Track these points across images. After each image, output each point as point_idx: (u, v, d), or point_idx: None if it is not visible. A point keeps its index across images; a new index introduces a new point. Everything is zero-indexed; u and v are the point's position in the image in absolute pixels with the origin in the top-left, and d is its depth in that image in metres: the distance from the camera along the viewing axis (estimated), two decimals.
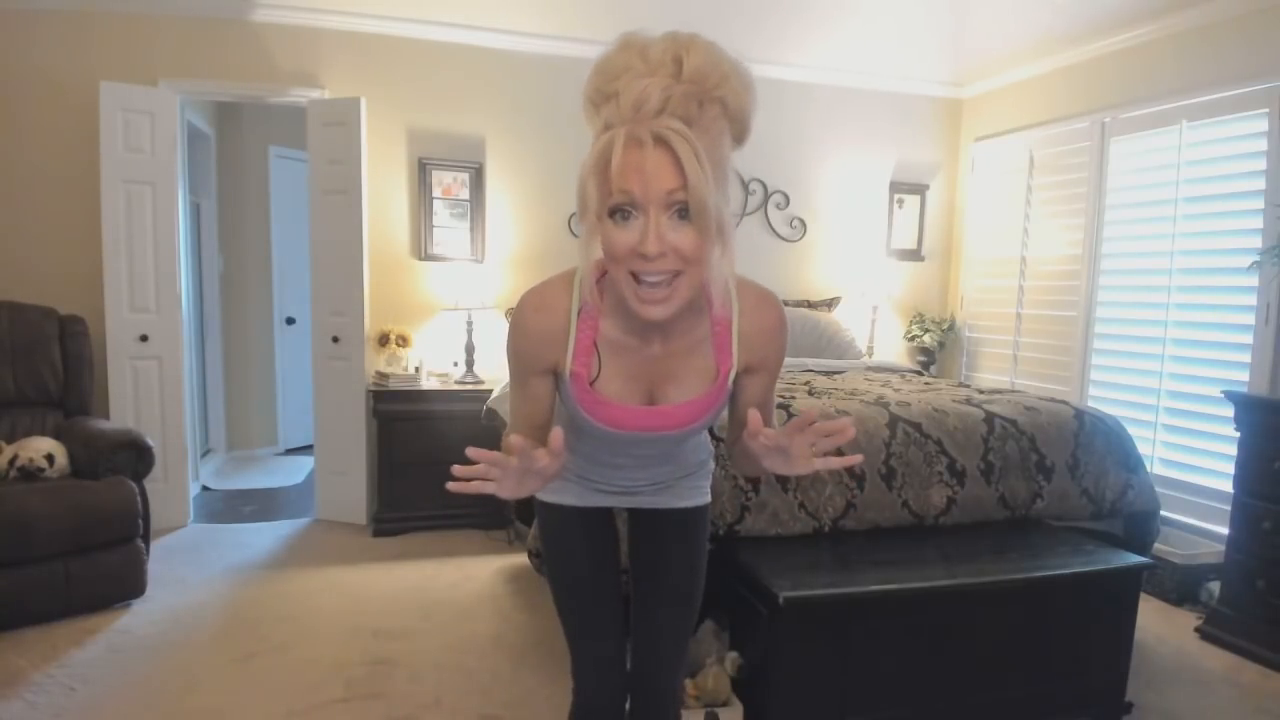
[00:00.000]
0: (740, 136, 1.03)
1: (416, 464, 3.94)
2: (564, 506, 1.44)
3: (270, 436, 5.62)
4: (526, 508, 3.61)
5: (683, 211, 0.97)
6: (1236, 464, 2.91)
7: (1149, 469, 2.96)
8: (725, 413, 1.32)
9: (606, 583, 1.46)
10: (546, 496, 1.44)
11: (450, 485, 0.96)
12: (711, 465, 1.52)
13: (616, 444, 1.30)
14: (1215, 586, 3.08)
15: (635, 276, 1.01)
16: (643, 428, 1.23)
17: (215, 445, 5.22)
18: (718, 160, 0.98)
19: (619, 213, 0.98)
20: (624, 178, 0.96)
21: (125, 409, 3.74)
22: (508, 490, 1.00)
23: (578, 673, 1.48)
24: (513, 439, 0.98)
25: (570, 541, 1.46)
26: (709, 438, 1.53)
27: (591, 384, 1.19)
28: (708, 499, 1.50)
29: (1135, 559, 2.35)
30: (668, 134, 0.94)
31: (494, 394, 3.74)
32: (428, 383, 4.03)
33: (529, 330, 1.18)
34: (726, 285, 1.15)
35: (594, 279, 1.13)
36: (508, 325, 1.23)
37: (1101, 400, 3.92)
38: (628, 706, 1.51)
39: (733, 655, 2.19)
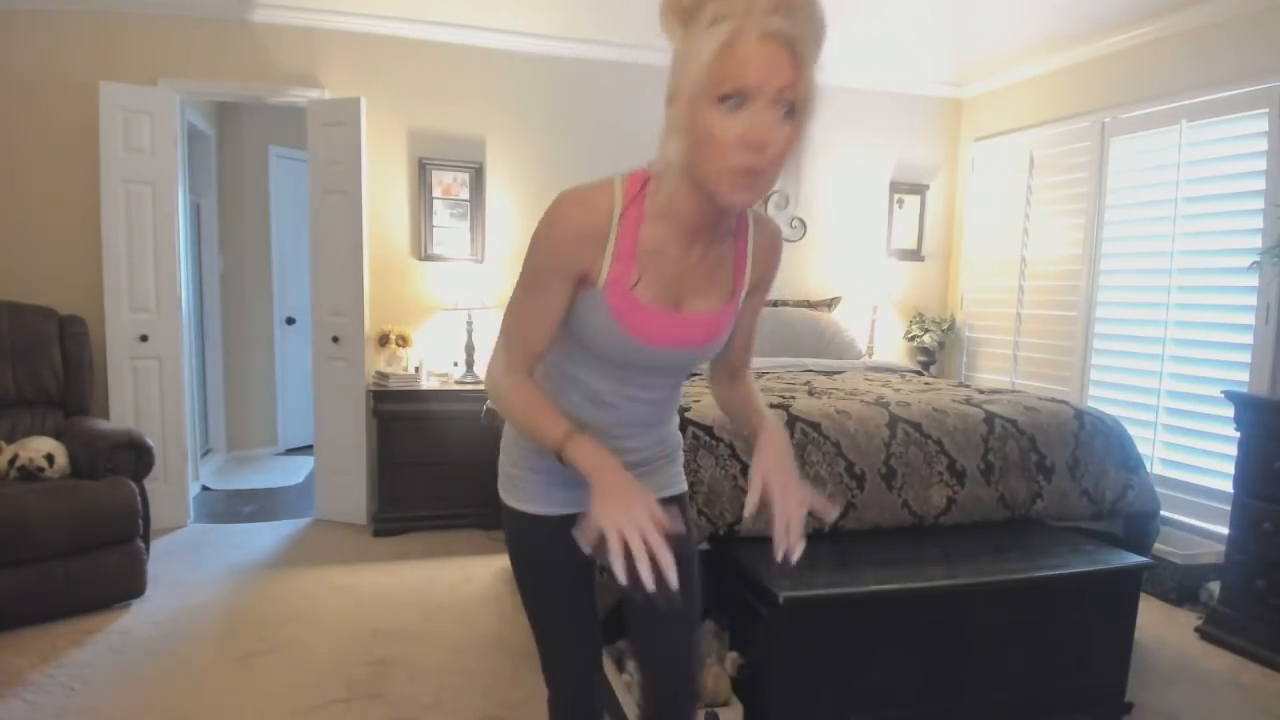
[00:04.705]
0: (820, 46, 1.03)
1: (416, 464, 3.94)
2: (544, 517, 1.35)
3: (270, 436, 5.62)
4: None
5: (788, 110, 0.99)
6: (1236, 464, 2.91)
7: (1149, 469, 2.96)
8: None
9: (585, 588, 1.42)
10: (524, 505, 1.36)
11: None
12: (682, 454, 1.51)
13: (629, 371, 1.25)
14: (1215, 586, 3.08)
15: (733, 169, 1.02)
16: (672, 340, 1.21)
17: (215, 445, 5.22)
18: (817, 64, 1.01)
19: (730, 101, 0.98)
20: (746, 67, 0.96)
21: (125, 409, 3.74)
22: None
23: (555, 680, 1.45)
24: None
25: (551, 553, 1.37)
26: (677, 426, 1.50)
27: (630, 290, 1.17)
28: (686, 487, 1.50)
29: (1135, 559, 2.35)
30: (790, 31, 0.96)
31: None
32: (428, 383, 4.03)
33: (570, 224, 1.13)
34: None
35: (640, 185, 1.14)
36: (538, 224, 1.16)
37: (1101, 400, 3.92)
38: (648, 704, 1.46)
39: (733, 655, 2.19)
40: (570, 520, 1.34)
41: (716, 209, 1.11)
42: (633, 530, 1.01)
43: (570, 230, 1.14)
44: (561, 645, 1.44)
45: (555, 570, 1.38)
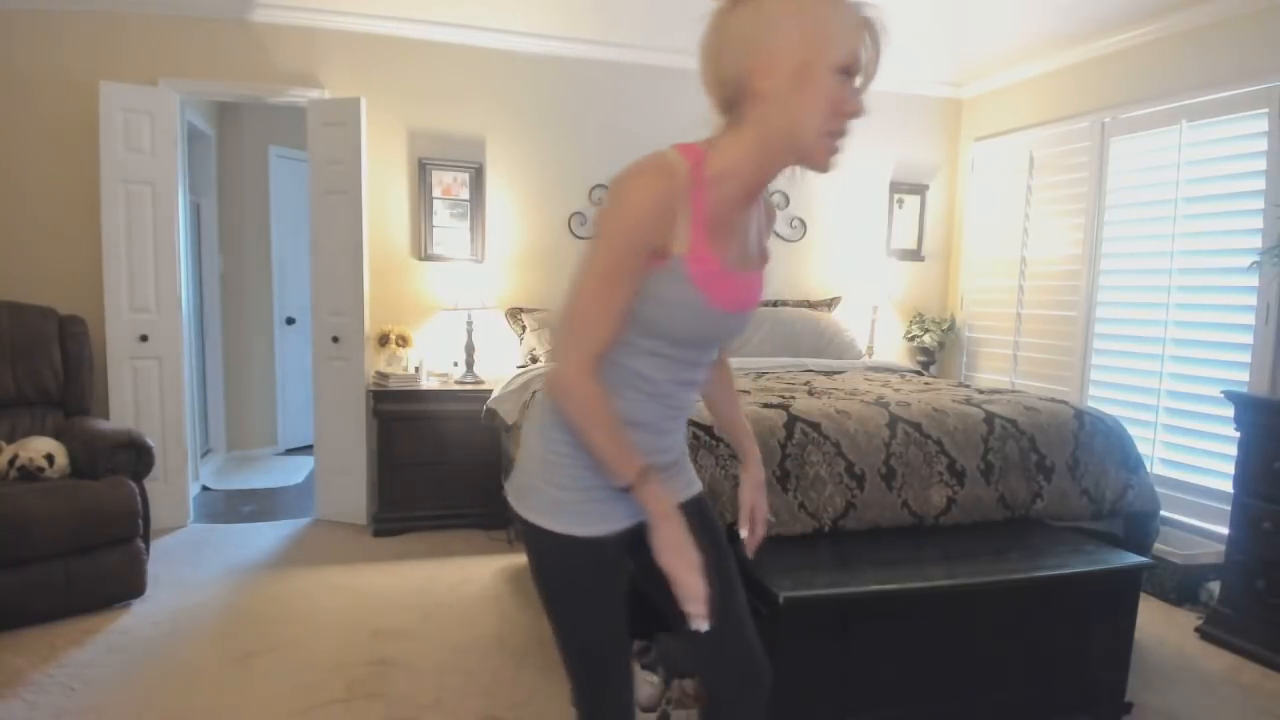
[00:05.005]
0: None
1: (416, 464, 3.94)
2: (604, 537, 1.25)
3: (270, 436, 5.62)
4: None
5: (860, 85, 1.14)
6: (1236, 464, 2.91)
7: (1149, 469, 2.96)
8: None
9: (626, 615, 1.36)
10: (581, 529, 1.24)
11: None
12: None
13: (687, 350, 1.24)
14: (1215, 586, 3.08)
15: (830, 133, 1.13)
16: (740, 303, 1.24)
17: (215, 445, 5.22)
18: None
19: (845, 73, 1.10)
20: (869, 47, 1.11)
21: (125, 409, 3.74)
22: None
23: (605, 709, 1.35)
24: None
25: (610, 575, 1.29)
26: None
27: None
28: (700, 484, 1.50)
29: (1135, 559, 2.35)
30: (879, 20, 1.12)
31: (494, 394, 3.74)
32: (428, 383, 4.03)
33: (650, 196, 1.11)
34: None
35: (695, 153, 1.15)
36: (610, 205, 1.13)
37: (1101, 400, 3.92)
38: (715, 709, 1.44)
39: None
40: (624, 534, 1.29)
41: (774, 174, 1.19)
42: (688, 583, 1.16)
43: (651, 201, 1.11)
44: (614, 671, 1.35)
45: (612, 591, 1.31)
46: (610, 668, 1.34)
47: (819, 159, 1.14)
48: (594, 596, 1.30)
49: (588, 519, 1.25)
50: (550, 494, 1.26)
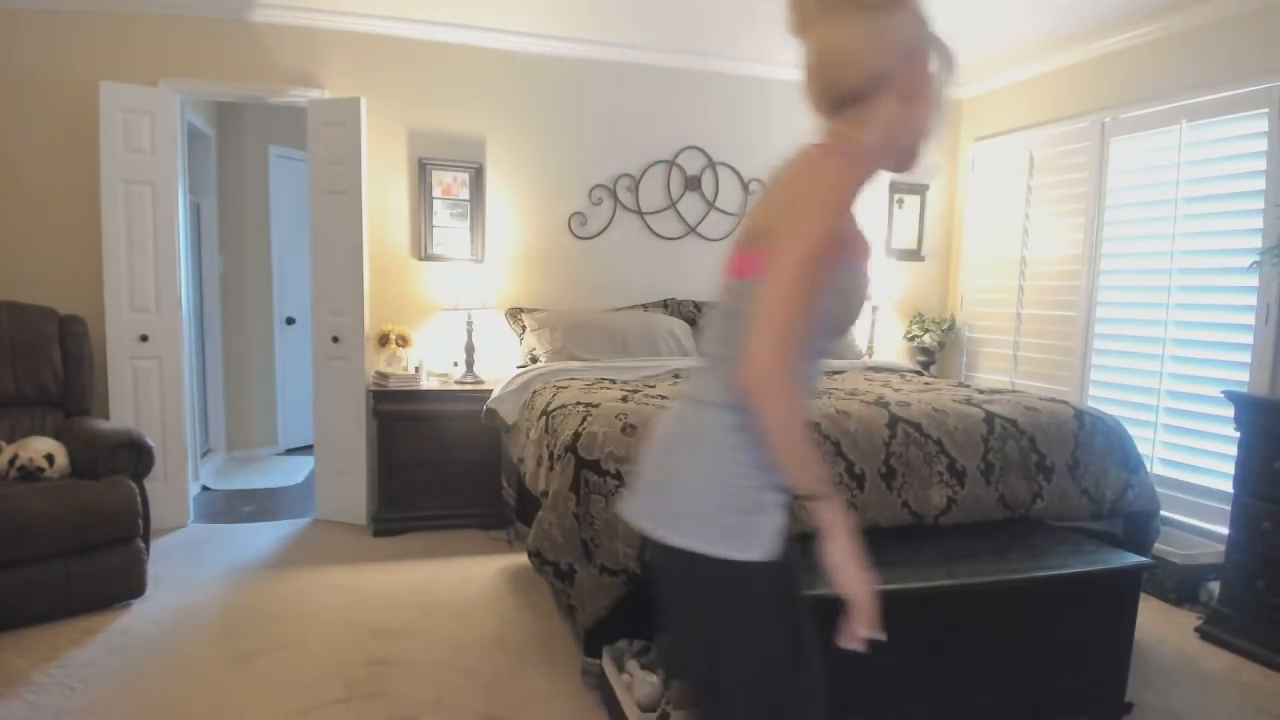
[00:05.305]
0: None
1: (416, 464, 3.94)
2: (781, 557, 1.16)
3: (270, 436, 5.62)
4: (527, 508, 3.61)
5: None
6: (1236, 464, 2.91)
7: (1149, 469, 2.96)
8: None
9: None
10: (774, 551, 1.14)
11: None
12: None
13: (833, 340, 1.25)
14: (1215, 586, 3.08)
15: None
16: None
17: (215, 445, 5.22)
18: None
19: None
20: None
21: (125, 409, 3.74)
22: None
23: None
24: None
25: (804, 611, 1.19)
26: None
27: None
28: None
29: (1135, 559, 2.35)
30: None
31: (494, 394, 3.74)
32: (428, 383, 4.03)
33: (844, 182, 1.15)
34: None
35: (835, 153, 1.19)
36: (815, 193, 1.12)
37: (1101, 400, 3.92)
38: None
39: None
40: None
41: (875, 174, 1.24)
42: (868, 600, 1.11)
43: (846, 191, 1.16)
44: (824, 703, 1.21)
45: (809, 621, 1.20)
46: (825, 696, 1.19)
47: (918, 162, 1.24)
48: (797, 629, 1.17)
49: (776, 535, 1.15)
50: (723, 518, 1.13)
